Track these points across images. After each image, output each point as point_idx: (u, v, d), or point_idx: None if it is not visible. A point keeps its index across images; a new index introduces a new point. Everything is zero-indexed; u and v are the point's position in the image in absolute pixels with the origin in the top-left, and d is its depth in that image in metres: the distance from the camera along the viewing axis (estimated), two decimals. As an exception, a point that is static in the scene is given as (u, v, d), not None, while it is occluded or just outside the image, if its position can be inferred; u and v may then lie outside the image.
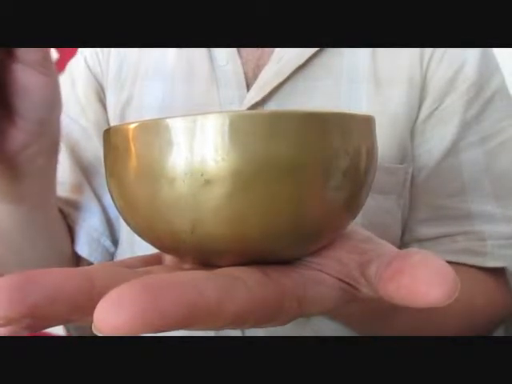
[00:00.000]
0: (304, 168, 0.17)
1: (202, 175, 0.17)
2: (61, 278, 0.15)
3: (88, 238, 0.50)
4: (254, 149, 0.17)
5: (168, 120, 0.17)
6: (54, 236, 0.46)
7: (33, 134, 0.32)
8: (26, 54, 0.29)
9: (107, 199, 0.51)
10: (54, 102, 0.32)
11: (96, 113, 0.51)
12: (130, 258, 0.23)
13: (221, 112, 0.17)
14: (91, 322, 0.14)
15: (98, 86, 0.52)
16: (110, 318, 0.13)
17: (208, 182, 0.17)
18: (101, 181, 0.51)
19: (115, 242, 0.53)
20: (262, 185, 0.17)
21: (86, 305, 0.15)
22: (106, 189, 0.54)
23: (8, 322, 0.15)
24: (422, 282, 0.16)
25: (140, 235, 0.21)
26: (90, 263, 0.51)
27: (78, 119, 0.51)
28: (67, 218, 0.49)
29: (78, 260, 0.51)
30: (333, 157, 0.18)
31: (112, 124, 0.51)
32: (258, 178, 0.17)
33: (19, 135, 0.31)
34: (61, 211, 0.48)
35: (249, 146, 0.17)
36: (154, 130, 0.18)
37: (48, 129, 0.33)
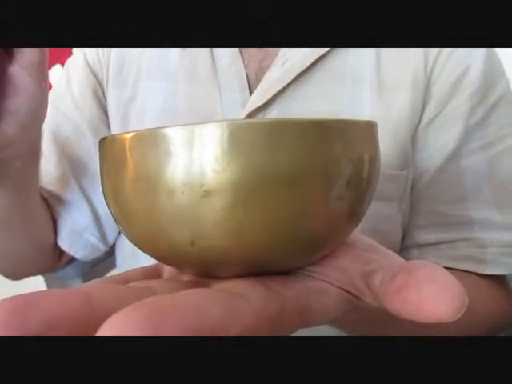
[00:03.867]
0: (306, 177, 0.17)
1: (201, 186, 0.17)
2: (59, 301, 0.15)
3: (68, 231, 0.50)
4: (255, 159, 0.17)
5: (166, 129, 0.17)
6: (33, 227, 0.46)
7: (13, 137, 0.32)
8: (25, 55, 0.30)
9: (96, 197, 0.52)
10: (39, 109, 0.33)
11: (91, 110, 0.51)
12: (130, 271, 0.23)
13: (220, 121, 0.17)
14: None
15: (96, 83, 0.52)
16: None
17: (208, 193, 0.17)
18: (90, 178, 0.51)
19: (105, 240, 0.53)
20: (262, 195, 0.17)
21: (86, 326, 0.15)
22: (96, 187, 0.55)
23: None
24: (429, 298, 0.16)
25: (138, 247, 0.20)
26: (72, 257, 0.52)
27: (71, 116, 0.51)
28: (52, 209, 0.50)
29: (61, 254, 0.52)
30: (335, 165, 0.18)
31: (112, 122, 0.51)
32: (258, 188, 0.17)
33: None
34: (46, 201, 0.49)
35: (249, 155, 0.16)
36: (152, 139, 0.17)
37: (28, 135, 0.34)
